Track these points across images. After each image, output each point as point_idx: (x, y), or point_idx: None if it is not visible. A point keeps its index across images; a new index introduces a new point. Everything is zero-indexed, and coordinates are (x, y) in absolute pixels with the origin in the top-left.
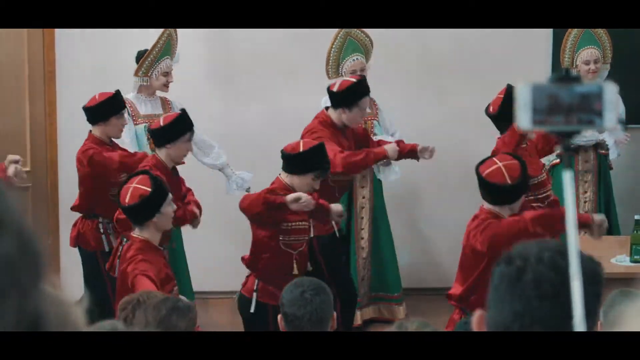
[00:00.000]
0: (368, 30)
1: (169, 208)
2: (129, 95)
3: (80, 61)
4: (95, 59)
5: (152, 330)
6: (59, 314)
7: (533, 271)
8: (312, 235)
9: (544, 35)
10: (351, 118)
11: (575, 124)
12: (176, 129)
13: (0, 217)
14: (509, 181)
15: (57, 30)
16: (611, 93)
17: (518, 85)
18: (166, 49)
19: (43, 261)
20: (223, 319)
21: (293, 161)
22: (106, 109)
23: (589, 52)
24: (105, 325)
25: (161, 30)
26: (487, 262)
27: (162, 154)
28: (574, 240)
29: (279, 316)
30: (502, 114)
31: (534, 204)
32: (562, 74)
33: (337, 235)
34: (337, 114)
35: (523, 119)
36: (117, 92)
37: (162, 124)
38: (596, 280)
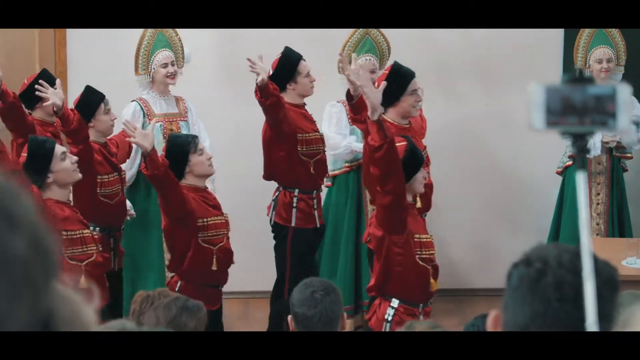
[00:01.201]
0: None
1: (63, 164)
2: (144, 94)
3: (91, 60)
4: (106, 58)
5: (163, 328)
6: (70, 313)
7: (553, 274)
8: (293, 224)
9: (555, 35)
10: (301, 88)
11: (589, 125)
12: (89, 106)
13: (15, 216)
14: None
15: (69, 29)
16: (625, 94)
17: (531, 85)
18: (159, 40)
19: (56, 260)
20: (232, 318)
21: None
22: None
23: (602, 51)
24: (114, 325)
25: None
26: (387, 243)
27: (91, 134)
28: (587, 242)
29: (289, 317)
30: (384, 90)
31: None
32: (575, 75)
33: (317, 230)
34: (289, 95)
35: (536, 119)
36: (44, 70)
37: (73, 106)
38: (612, 285)
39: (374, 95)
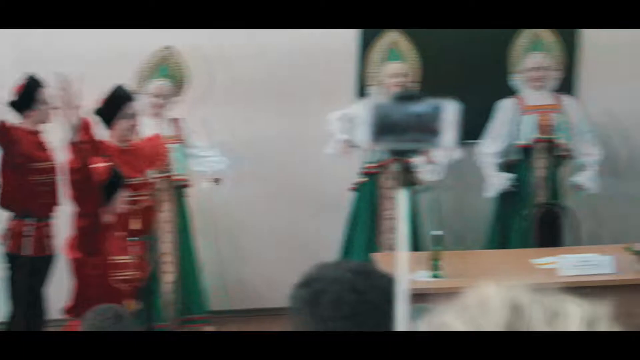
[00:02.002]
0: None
1: None
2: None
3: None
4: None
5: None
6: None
7: (331, 293)
8: (26, 253)
9: (350, 41)
10: (40, 115)
11: (408, 143)
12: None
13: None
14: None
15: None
16: (451, 112)
17: (359, 103)
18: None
19: None
20: None
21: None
22: None
23: (396, 66)
24: None
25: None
26: (82, 264)
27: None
28: (404, 259)
29: None
30: (101, 111)
31: (131, 205)
32: (402, 93)
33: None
34: (28, 121)
35: (361, 136)
36: None
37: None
38: (390, 296)
39: (70, 117)
